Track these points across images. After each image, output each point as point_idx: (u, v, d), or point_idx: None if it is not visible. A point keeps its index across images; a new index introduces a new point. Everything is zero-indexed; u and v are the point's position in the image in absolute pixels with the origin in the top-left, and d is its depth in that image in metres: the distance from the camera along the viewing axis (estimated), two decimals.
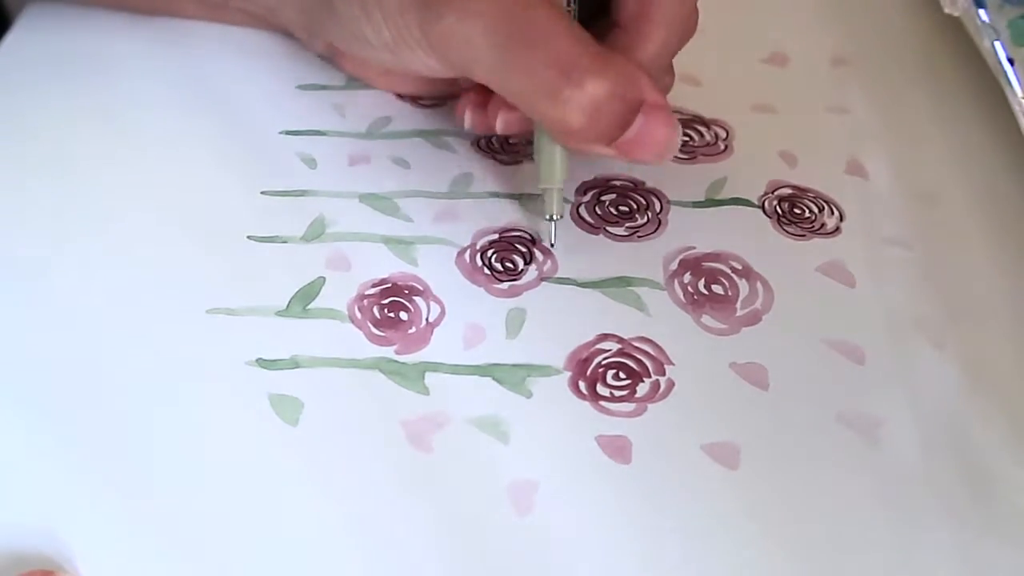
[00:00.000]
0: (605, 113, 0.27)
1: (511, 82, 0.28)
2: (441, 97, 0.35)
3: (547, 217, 0.30)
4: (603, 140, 0.28)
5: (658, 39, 0.30)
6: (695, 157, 0.34)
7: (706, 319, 0.29)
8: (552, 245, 0.31)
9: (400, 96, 0.36)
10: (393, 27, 0.29)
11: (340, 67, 0.35)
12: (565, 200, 0.32)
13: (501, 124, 0.31)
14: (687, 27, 0.31)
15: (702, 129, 0.35)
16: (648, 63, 0.30)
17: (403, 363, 0.28)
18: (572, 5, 0.30)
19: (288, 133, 0.34)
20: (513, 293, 0.30)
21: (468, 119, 0.32)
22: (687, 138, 0.35)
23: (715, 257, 0.31)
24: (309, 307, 0.29)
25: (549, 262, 0.31)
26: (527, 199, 0.32)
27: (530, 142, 0.31)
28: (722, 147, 0.35)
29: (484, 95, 0.32)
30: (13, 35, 0.36)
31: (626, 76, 0.27)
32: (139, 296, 0.29)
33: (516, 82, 0.28)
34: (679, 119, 0.35)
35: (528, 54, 0.27)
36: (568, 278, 0.30)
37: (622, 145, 0.28)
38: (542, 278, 0.30)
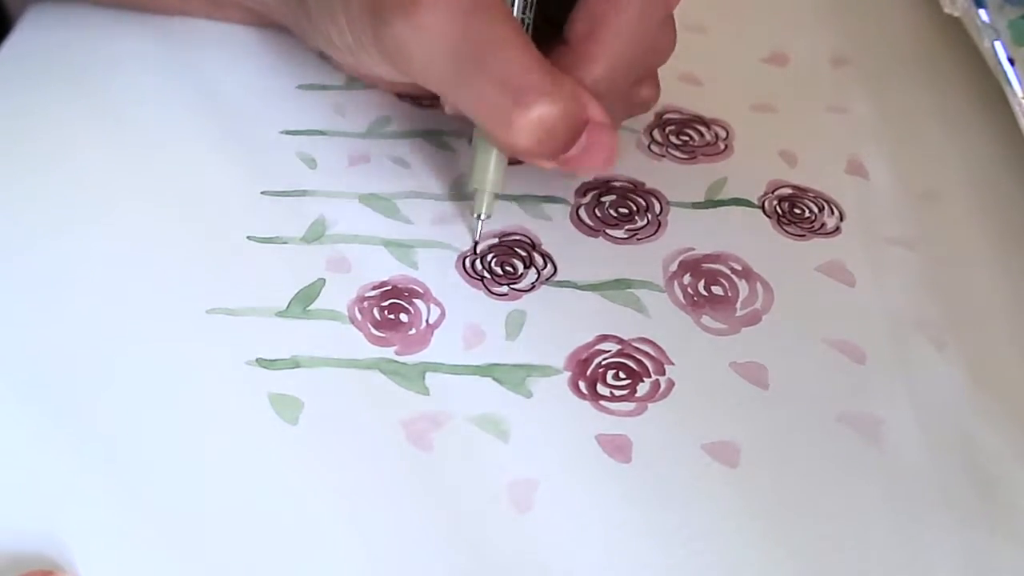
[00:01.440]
0: (552, 134, 0.27)
1: (460, 97, 0.28)
2: (425, 97, 0.35)
3: (475, 216, 0.30)
4: (546, 157, 0.28)
5: (605, 61, 0.29)
6: (695, 157, 0.34)
7: (706, 319, 0.29)
8: (476, 243, 0.31)
9: (400, 96, 0.36)
10: (352, 33, 0.29)
11: (336, 67, 0.35)
12: (564, 202, 0.32)
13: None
14: (648, 47, 0.30)
15: (702, 129, 0.35)
16: (594, 84, 0.28)
17: (403, 363, 0.28)
18: (527, 13, 0.30)
19: (288, 133, 0.34)
20: (513, 296, 0.30)
21: (450, 110, 0.32)
22: (687, 138, 0.35)
23: (715, 258, 0.31)
24: (309, 308, 0.29)
25: (549, 266, 0.31)
26: (525, 201, 0.32)
27: None
28: (722, 147, 0.35)
29: None
30: (15, 36, 0.36)
31: (573, 96, 0.27)
32: (139, 296, 0.29)
33: (464, 98, 0.28)
34: (679, 118, 0.36)
35: (477, 71, 0.27)
36: (568, 281, 0.30)
37: (565, 160, 0.28)
38: (542, 281, 0.30)
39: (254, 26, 0.37)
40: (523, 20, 0.29)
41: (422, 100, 0.36)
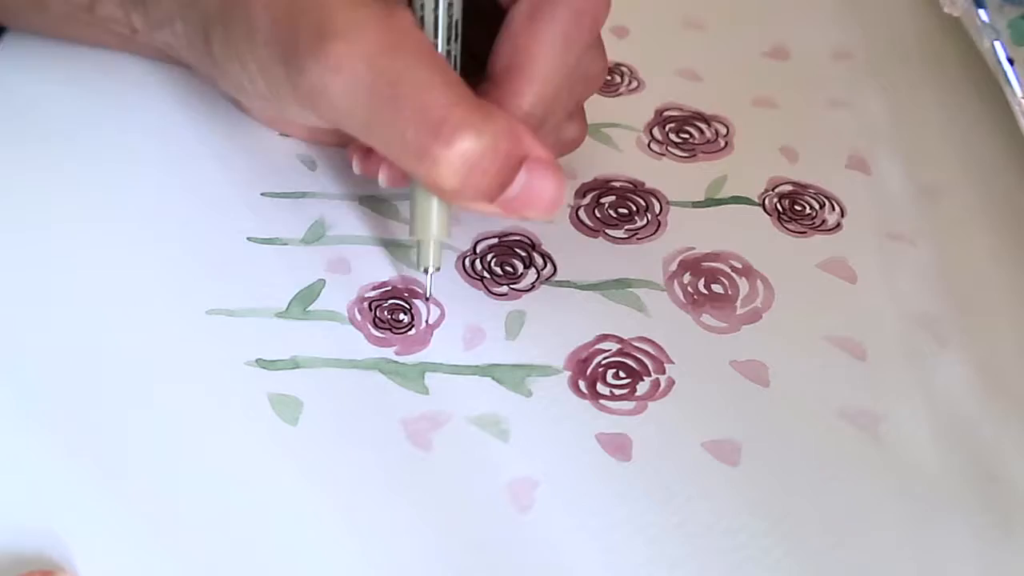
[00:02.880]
0: (481, 172, 0.25)
1: (379, 139, 0.26)
2: (343, 145, 0.33)
3: (422, 269, 0.29)
4: (481, 199, 0.26)
5: (531, 94, 0.27)
6: (695, 155, 0.34)
7: (706, 318, 0.29)
8: (428, 298, 0.29)
9: (322, 144, 0.33)
10: (264, 79, 0.27)
11: (248, 114, 0.33)
12: (564, 203, 0.32)
13: (383, 178, 0.29)
14: (576, 76, 0.28)
15: (702, 126, 0.35)
16: (525, 120, 0.27)
17: (403, 363, 0.28)
18: (452, 44, 0.28)
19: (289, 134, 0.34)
20: (513, 296, 0.30)
21: (356, 166, 0.30)
22: (687, 135, 0.35)
23: (715, 257, 0.31)
24: (309, 309, 0.29)
25: (548, 265, 0.31)
26: None
27: None
28: (722, 144, 0.35)
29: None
30: (11, 34, 0.36)
31: (505, 131, 0.25)
32: (139, 296, 0.29)
33: (383, 139, 0.26)
34: (680, 115, 0.35)
35: (393, 110, 0.25)
36: (567, 281, 0.30)
37: (505, 203, 0.26)
38: (541, 281, 0.30)
39: (167, 63, 0.35)
40: (448, 52, 0.28)
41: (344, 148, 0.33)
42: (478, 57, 0.28)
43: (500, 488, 0.25)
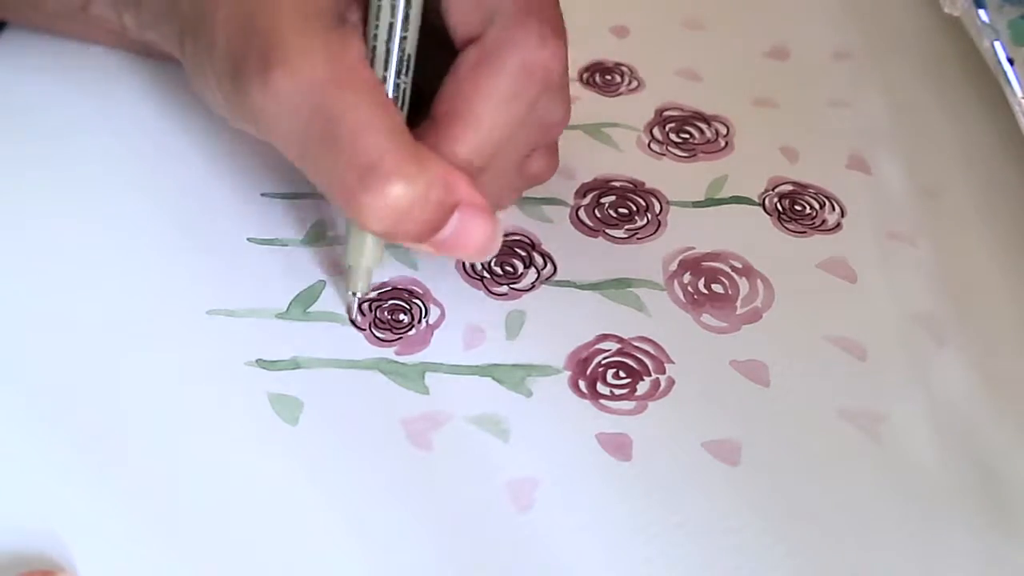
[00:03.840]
0: (410, 219, 0.25)
1: (312, 172, 0.26)
2: None
3: (350, 293, 0.29)
4: (411, 241, 0.26)
5: (471, 142, 0.26)
6: (695, 155, 0.34)
7: (706, 318, 0.29)
8: (353, 321, 0.29)
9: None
10: (221, 92, 0.27)
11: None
12: (564, 204, 0.32)
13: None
14: (529, 124, 0.27)
15: (702, 126, 0.35)
16: (466, 164, 0.26)
17: (403, 363, 0.28)
18: (403, 77, 0.27)
19: None
20: (513, 296, 0.30)
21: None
22: (687, 135, 0.35)
23: (715, 256, 0.31)
24: (309, 310, 0.29)
25: (548, 265, 0.31)
26: (524, 203, 0.32)
27: None
28: (723, 144, 0.35)
29: None
30: (8, 32, 0.36)
31: (438, 179, 0.25)
32: (140, 297, 0.29)
33: (316, 173, 0.26)
34: (680, 115, 0.35)
35: (326, 148, 0.25)
36: (567, 281, 0.30)
37: (436, 244, 0.26)
38: (541, 281, 0.30)
39: (158, 60, 0.35)
40: (398, 86, 0.27)
41: None
42: (430, 91, 0.28)
43: (500, 488, 0.25)
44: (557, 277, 0.30)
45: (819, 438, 0.27)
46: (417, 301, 0.29)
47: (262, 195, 0.32)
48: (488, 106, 0.26)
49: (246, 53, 0.25)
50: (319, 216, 0.31)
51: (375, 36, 0.26)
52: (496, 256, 0.31)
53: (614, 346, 0.28)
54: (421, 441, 0.26)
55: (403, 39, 0.26)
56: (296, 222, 0.31)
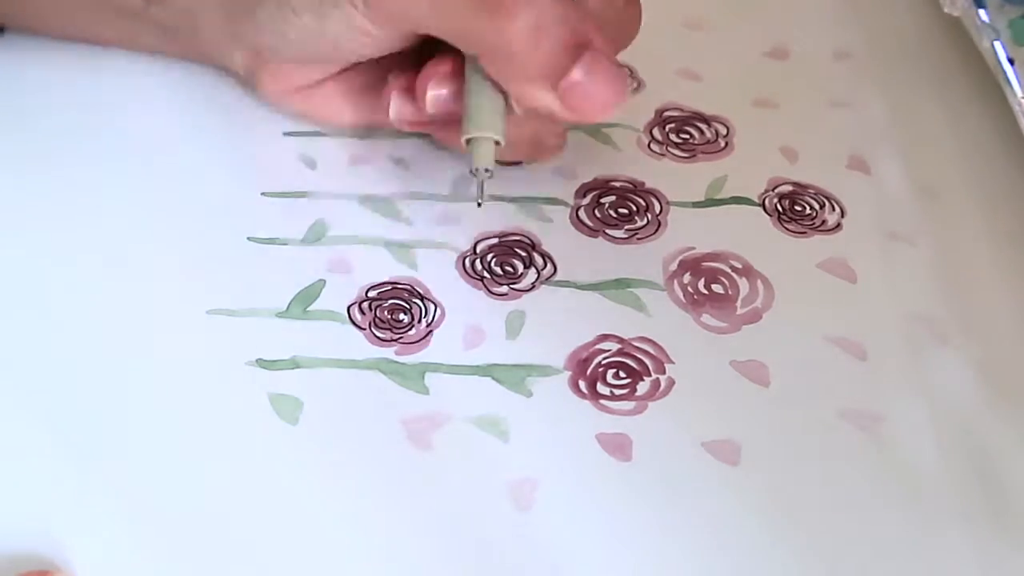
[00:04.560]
0: (548, 35, 0.25)
1: (447, 6, 0.26)
2: (358, 125, 0.33)
3: (471, 170, 0.27)
4: (546, 73, 0.26)
5: None
6: (695, 155, 0.34)
7: (706, 318, 0.29)
8: (479, 204, 0.27)
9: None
10: (310, 11, 0.28)
11: (259, 86, 0.33)
12: (564, 204, 0.32)
13: (431, 102, 0.29)
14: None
15: (702, 126, 0.35)
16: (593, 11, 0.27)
17: (403, 363, 0.28)
18: None
19: (289, 134, 0.34)
20: (513, 296, 0.30)
21: (394, 108, 0.30)
22: (687, 136, 0.35)
23: (715, 257, 0.31)
24: (309, 309, 0.29)
25: (548, 265, 0.31)
26: (524, 203, 0.32)
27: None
28: (722, 144, 0.35)
29: (411, 78, 0.30)
30: (9, 34, 0.36)
31: (574, 9, 0.26)
32: (140, 297, 0.29)
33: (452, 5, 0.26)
34: (680, 115, 0.35)
35: None
36: (567, 281, 0.30)
37: (566, 90, 0.26)
38: (542, 281, 0.30)
39: (162, 54, 0.35)
40: None
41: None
42: None
43: (500, 488, 0.25)
44: (557, 277, 0.30)
45: (819, 438, 0.27)
46: (417, 301, 0.29)
47: (262, 194, 0.32)
48: None
49: None
50: (319, 216, 0.31)
51: None
52: (496, 256, 0.31)
53: (614, 346, 0.28)
54: (421, 441, 0.26)
55: None
56: (296, 221, 0.31)
